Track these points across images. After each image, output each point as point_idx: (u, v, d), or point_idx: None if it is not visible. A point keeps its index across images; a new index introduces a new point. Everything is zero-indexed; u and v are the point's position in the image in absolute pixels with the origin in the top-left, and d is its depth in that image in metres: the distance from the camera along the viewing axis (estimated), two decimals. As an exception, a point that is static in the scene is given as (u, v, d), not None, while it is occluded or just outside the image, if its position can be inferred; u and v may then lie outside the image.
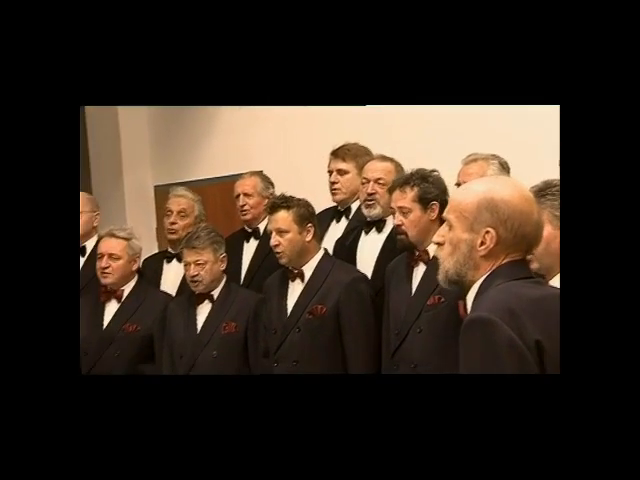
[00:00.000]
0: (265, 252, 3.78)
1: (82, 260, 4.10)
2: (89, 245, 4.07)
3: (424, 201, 3.03)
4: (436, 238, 1.91)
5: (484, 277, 1.84)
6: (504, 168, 3.28)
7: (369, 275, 3.40)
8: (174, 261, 4.04)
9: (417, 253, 3.08)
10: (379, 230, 3.47)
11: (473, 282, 1.85)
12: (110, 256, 3.66)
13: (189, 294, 3.61)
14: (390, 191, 3.16)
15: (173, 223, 4.03)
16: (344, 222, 3.75)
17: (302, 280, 3.32)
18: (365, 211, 3.48)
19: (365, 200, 3.46)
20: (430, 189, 3.05)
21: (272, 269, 3.56)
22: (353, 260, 3.50)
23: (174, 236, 4.02)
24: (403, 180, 3.09)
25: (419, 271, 3.09)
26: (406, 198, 3.05)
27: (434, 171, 3.15)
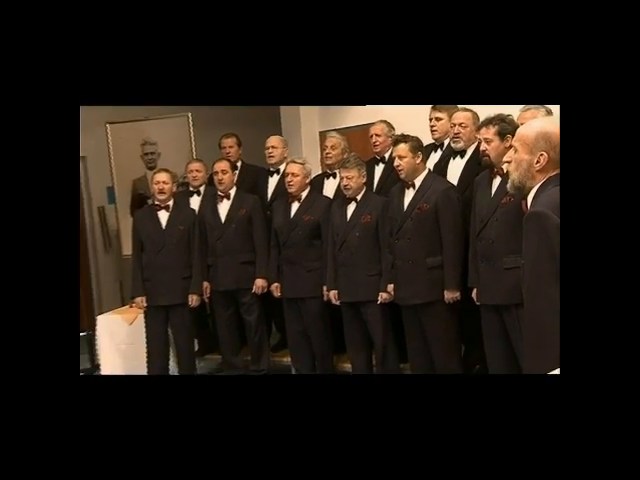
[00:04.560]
0: (389, 171, 4.75)
1: (277, 178, 5.33)
2: (282, 168, 5.31)
3: (501, 135, 3.64)
4: (506, 158, 2.32)
5: (539, 184, 2.09)
6: (549, 113, 3.71)
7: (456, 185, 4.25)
8: (330, 178, 5.19)
9: (495, 169, 3.68)
10: (462, 157, 4.36)
11: (531, 188, 2.12)
12: (292, 174, 4.86)
13: (343, 196, 4.69)
14: (479, 128, 3.77)
15: (328, 154, 5.15)
16: (439, 152, 4.62)
17: (414, 188, 4.23)
18: (453, 145, 4.36)
19: (453, 137, 4.34)
20: (506, 127, 3.62)
21: (393, 182, 4.49)
22: (445, 176, 4.36)
23: (329, 161, 5.19)
24: (488, 120, 3.71)
25: (496, 182, 3.71)
26: (489, 132, 3.66)
27: (509, 115, 3.71)
